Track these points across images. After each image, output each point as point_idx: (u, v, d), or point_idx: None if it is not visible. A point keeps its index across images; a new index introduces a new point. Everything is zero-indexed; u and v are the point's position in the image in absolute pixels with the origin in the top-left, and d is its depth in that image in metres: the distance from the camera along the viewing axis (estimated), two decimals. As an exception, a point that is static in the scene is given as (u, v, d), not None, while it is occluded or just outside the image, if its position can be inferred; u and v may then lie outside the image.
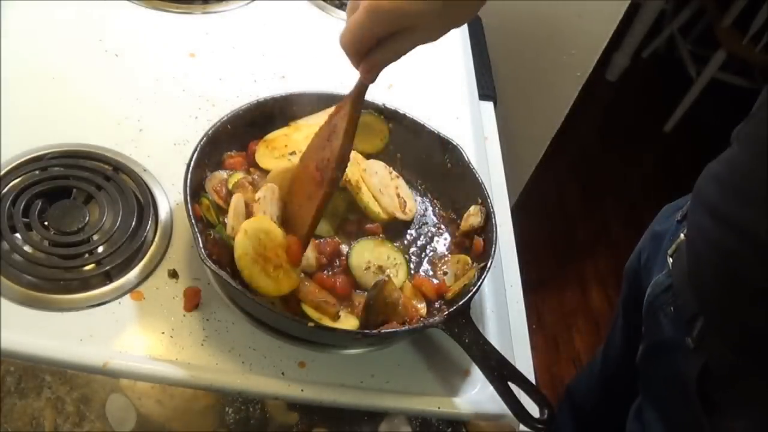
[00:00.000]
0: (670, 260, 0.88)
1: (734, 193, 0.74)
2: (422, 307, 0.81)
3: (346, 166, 0.76)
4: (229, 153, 0.88)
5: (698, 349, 0.79)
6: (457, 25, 0.64)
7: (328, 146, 0.75)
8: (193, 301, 0.78)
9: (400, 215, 0.90)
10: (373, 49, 0.64)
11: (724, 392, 0.79)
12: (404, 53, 0.65)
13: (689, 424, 0.82)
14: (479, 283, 0.78)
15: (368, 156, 0.95)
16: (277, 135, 0.90)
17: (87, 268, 0.79)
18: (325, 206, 0.76)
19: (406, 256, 0.87)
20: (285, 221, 0.80)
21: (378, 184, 0.90)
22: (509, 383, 0.72)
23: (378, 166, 0.93)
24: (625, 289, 1.12)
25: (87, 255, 0.79)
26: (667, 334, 0.87)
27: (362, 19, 0.60)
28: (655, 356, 0.92)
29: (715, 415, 0.78)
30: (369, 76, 0.67)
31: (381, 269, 0.82)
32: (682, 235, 0.86)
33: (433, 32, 0.63)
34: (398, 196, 0.91)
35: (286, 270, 0.75)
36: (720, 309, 0.77)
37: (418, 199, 0.96)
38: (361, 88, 0.71)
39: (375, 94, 0.93)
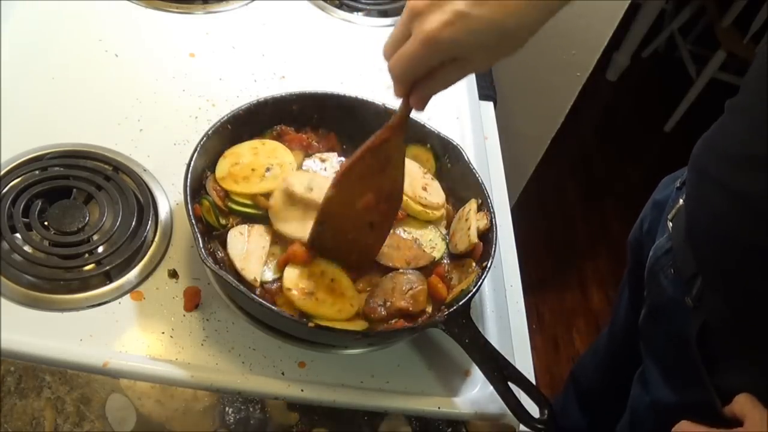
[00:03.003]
0: (670, 224, 0.91)
1: (726, 158, 0.77)
2: (429, 307, 0.81)
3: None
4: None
5: (697, 308, 0.82)
6: (509, 54, 0.63)
7: (383, 177, 0.75)
8: (193, 301, 0.78)
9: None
10: (424, 78, 0.63)
11: (724, 350, 0.81)
12: (454, 82, 0.64)
13: (691, 382, 0.83)
14: (479, 283, 0.78)
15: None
16: (227, 169, 0.85)
17: (87, 268, 0.79)
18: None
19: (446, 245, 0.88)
20: (332, 250, 0.80)
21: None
22: (509, 383, 0.72)
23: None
24: (630, 259, 1.15)
25: (87, 255, 0.79)
26: (668, 294, 0.89)
27: (418, 50, 0.59)
28: (656, 317, 0.94)
29: (717, 373, 0.80)
30: (420, 105, 0.67)
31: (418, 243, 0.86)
32: (681, 200, 0.90)
33: (485, 63, 0.63)
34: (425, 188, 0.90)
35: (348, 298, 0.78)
36: (716, 267, 0.79)
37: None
38: (407, 116, 0.70)
39: (375, 93, 0.93)
